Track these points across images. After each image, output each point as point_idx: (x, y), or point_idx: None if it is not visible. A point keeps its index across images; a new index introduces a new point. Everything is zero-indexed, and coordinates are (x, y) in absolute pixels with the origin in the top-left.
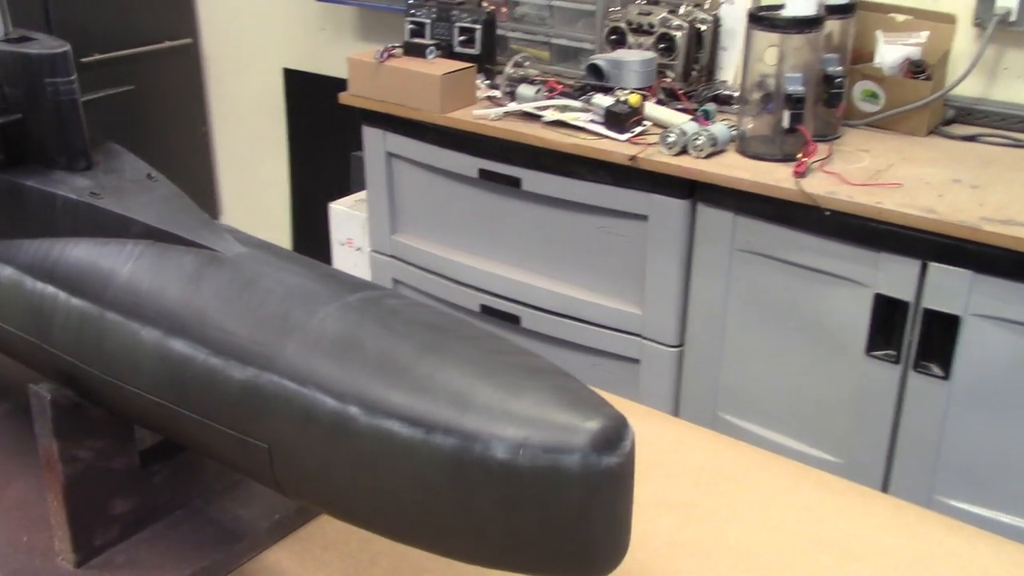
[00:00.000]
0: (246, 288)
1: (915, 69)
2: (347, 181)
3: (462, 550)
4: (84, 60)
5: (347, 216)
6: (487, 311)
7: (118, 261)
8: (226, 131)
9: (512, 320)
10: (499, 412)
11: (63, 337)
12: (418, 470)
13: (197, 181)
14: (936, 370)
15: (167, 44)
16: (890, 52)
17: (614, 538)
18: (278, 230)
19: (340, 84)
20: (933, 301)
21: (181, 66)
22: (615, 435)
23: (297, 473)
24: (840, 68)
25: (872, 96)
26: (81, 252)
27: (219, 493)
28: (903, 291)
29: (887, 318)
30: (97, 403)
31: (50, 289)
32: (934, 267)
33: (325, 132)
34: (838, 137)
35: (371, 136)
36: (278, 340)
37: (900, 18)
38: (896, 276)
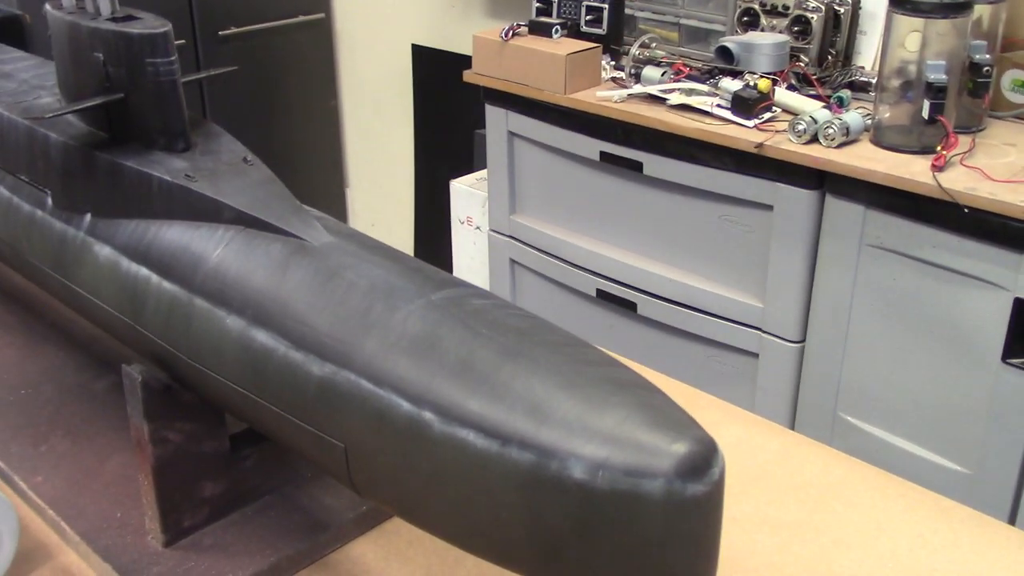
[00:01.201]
0: (330, 280)
1: None
2: (470, 159)
3: (533, 569)
4: (222, 33)
5: (467, 194)
6: (603, 296)
7: (208, 246)
8: (355, 105)
9: (628, 306)
10: (579, 428)
11: (154, 320)
12: (491, 484)
13: (325, 153)
14: None
15: (301, 18)
16: None
17: (697, 570)
18: (401, 204)
19: (467, 61)
20: None
21: (313, 40)
22: (703, 461)
23: (372, 475)
24: (988, 56)
25: (1023, 86)
26: (174, 235)
27: (308, 480)
28: None
29: None
30: (186, 387)
31: (144, 271)
32: None
33: (451, 109)
34: (982, 129)
35: (494, 115)
36: (357, 337)
37: None
38: None
